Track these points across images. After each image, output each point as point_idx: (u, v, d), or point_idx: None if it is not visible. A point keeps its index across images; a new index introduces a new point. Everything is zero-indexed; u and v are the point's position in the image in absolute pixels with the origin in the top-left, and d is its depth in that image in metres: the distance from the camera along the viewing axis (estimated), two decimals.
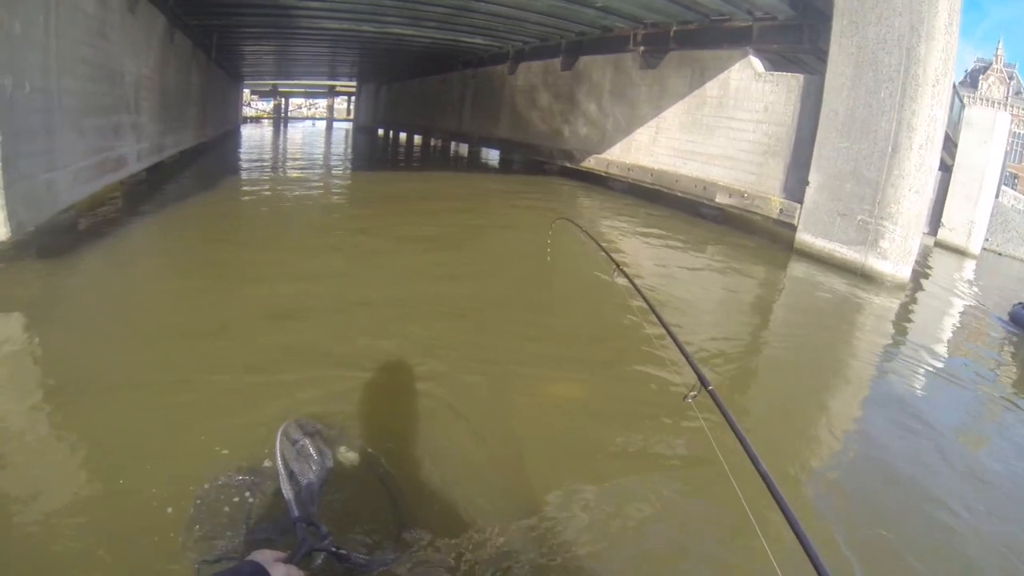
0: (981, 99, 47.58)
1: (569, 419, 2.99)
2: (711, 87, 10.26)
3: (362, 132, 30.15)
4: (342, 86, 37.72)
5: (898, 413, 3.63)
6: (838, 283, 7.39)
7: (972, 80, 53.04)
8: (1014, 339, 5.98)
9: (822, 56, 8.86)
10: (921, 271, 10.47)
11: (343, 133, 29.53)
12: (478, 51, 17.14)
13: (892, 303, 6.98)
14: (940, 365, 4.83)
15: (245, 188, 10.29)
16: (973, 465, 3.07)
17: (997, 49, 55.27)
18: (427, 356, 3.41)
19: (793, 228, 8.77)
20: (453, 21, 12.50)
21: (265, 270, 5.16)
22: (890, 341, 5.51)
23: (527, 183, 13.39)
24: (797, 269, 7.99)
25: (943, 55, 7.86)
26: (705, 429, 1.67)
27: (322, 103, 44.32)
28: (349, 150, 20.77)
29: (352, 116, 38.32)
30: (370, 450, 2.41)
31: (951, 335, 6.28)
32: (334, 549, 1.60)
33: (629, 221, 9.70)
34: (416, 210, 8.97)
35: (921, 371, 4.63)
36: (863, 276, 7.90)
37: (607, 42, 12.59)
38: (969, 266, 12.90)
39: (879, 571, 2.11)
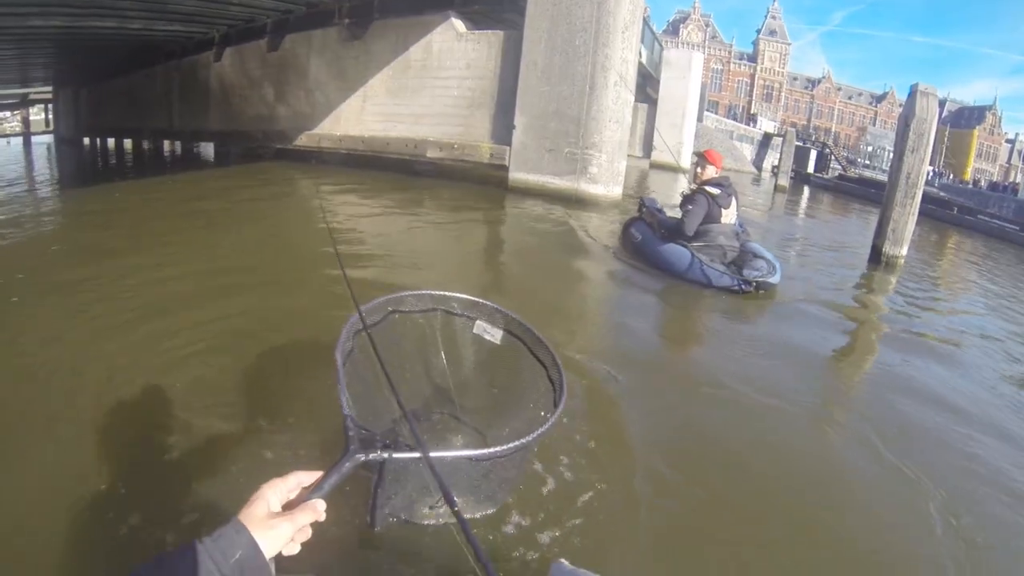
0: (683, 44, 57.15)
1: None
2: (415, 51, 10.59)
3: (66, 144, 25.02)
4: (36, 93, 30.90)
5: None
6: (555, 210, 8.27)
7: (674, 28, 63.45)
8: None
9: (523, 13, 9.62)
10: (637, 189, 12.28)
11: (44, 149, 24.07)
12: (180, 40, 15.30)
13: (601, 220, 7.98)
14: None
15: None
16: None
17: (695, 1, 66.88)
18: None
19: (505, 169, 9.60)
20: (150, 9, 10.88)
21: None
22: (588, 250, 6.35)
23: (237, 177, 11.78)
24: (515, 203, 8.75)
25: (631, 5, 9.14)
26: None
27: (15, 116, 36.45)
28: (53, 174, 16.70)
29: (52, 127, 31.54)
30: None
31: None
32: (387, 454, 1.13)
33: (346, 189, 9.51)
34: None
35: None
36: (578, 201, 8.99)
37: (313, 18, 12.21)
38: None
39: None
